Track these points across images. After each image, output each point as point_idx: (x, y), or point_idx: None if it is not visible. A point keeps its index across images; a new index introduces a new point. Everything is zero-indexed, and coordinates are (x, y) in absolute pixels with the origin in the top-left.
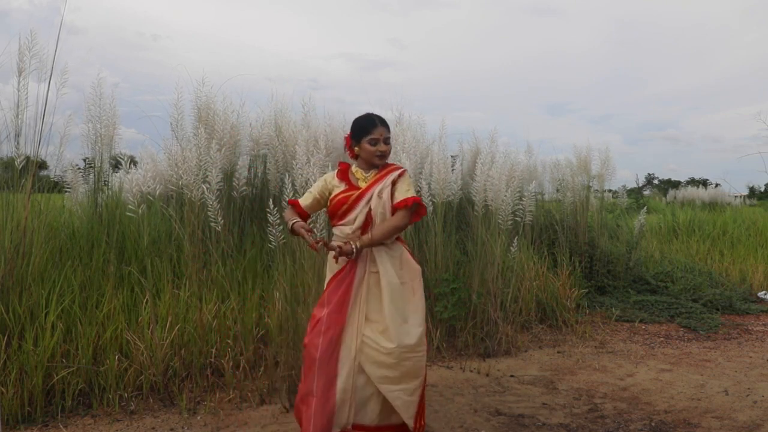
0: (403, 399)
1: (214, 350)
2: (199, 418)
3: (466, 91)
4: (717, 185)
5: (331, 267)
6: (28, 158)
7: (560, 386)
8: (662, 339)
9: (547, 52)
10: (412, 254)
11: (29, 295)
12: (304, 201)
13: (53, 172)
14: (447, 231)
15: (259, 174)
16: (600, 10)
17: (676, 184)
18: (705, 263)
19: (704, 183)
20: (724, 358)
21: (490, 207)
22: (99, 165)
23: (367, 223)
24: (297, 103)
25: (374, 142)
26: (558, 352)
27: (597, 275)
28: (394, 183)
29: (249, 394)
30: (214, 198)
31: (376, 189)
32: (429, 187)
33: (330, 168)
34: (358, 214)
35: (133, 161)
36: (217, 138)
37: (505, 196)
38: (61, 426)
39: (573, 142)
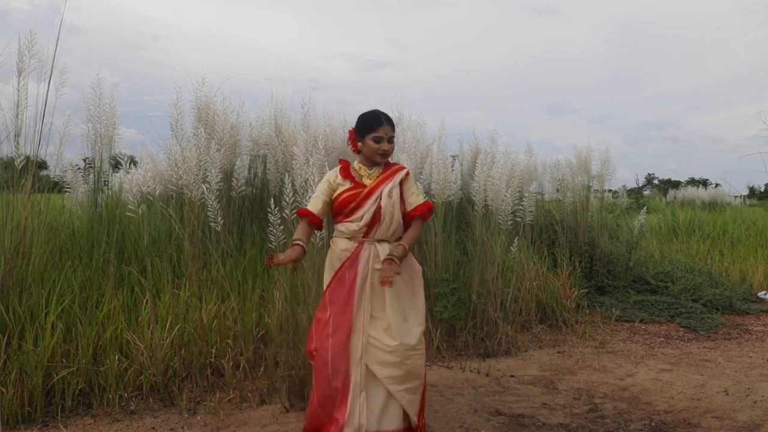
0: (407, 398)
1: (214, 350)
2: (199, 418)
3: (466, 91)
4: (717, 185)
5: (332, 265)
6: (28, 158)
7: (560, 386)
8: (662, 339)
9: (547, 52)
10: (413, 254)
11: (29, 295)
12: (315, 207)
13: (53, 172)
14: (447, 231)
15: (259, 174)
16: (600, 10)
17: (676, 184)
18: (705, 263)
19: (704, 183)
20: (724, 358)
21: (490, 207)
22: (99, 165)
23: (375, 220)
24: (297, 103)
25: (378, 140)
26: (558, 352)
27: (597, 275)
28: (401, 183)
29: (249, 394)
30: (213, 198)
31: (386, 188)
32: (429, 187)
33: (327, 168)
34: (365, 212)
35: (133, 161)
36: (217, 138)
37: (505, 196)
38: (61, 426)
39: (573, 142)
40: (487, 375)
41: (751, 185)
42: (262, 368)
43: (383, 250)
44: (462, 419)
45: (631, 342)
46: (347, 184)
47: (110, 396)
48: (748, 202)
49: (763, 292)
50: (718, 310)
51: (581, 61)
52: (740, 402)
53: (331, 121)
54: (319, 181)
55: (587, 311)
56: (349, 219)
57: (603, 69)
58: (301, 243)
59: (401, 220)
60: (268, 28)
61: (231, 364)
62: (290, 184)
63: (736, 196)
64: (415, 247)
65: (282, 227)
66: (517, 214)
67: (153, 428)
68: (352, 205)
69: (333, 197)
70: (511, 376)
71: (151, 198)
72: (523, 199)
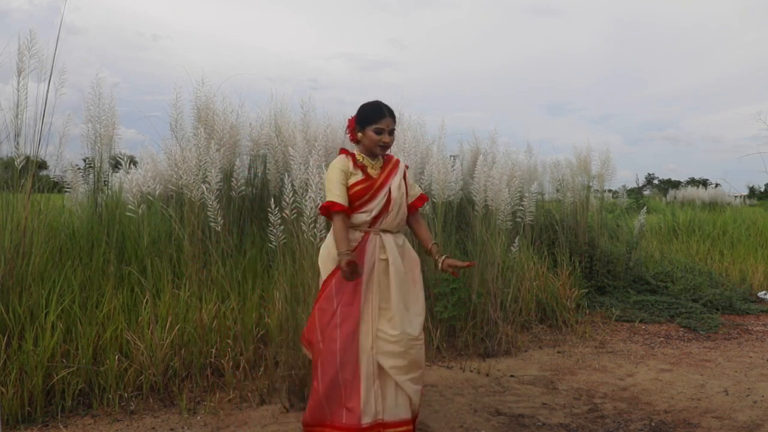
0: (413, 388)
1: (214, 350)
2: (199, 418)
3: (466, 91)
4: (717, 185)
5: (333, 255)
6: (28, 158)
7: (560, 386)
8: (662, 339)
9: (547, 52)
10: (412, 244)
11: (29, 295)
12: (344, 200)
13: (53, 172)
14: (447, 231)
15: (259, 174)
16: (600, 10)
17: (676, 184)
18: (705, 263)
19: (704, 183)
20: (724, 358)
21: (490, 207)
22: (99, 165)
23: (383, 211)
24: (297, 103)
25: (379, 132)
26: (558, 352)
27: (597, 275)
28: (404, 175)
29: (249, 394)
30: (213, 198)
31: (395, 181)
32: (429, 187)
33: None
34: (377, 204)
35: (133, 161)
36: (217, 138)
37: (506, 196)
38: (61, 426)
39: (573, 142)
40: (487, 375)
41: (751, 185)
42: (262, 368)
43: (388, 240)
44: (462, 419)
45: (631, 342)
46: (360, 175)
47: (110, 396)
48: (748, 202)
49: (763, 292)
50: (718, 310)
51: (581, 61)
52: (740, 402)
53: (331, 121)
54: (322, 178)
55: (587, 311)
56: (361, 210)
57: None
58: (350, 254)
59: (406, 211)
60: (268, 28)
61: (231, 364)
62: (290, 184)
63: (736, 196)
64: (415, 247)
65: (282, 227)
66: (518, 214)
67: (153, 428)
68: (366, 197)
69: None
70: (511, 376)
71: (151, 198)
72: (524, 199)
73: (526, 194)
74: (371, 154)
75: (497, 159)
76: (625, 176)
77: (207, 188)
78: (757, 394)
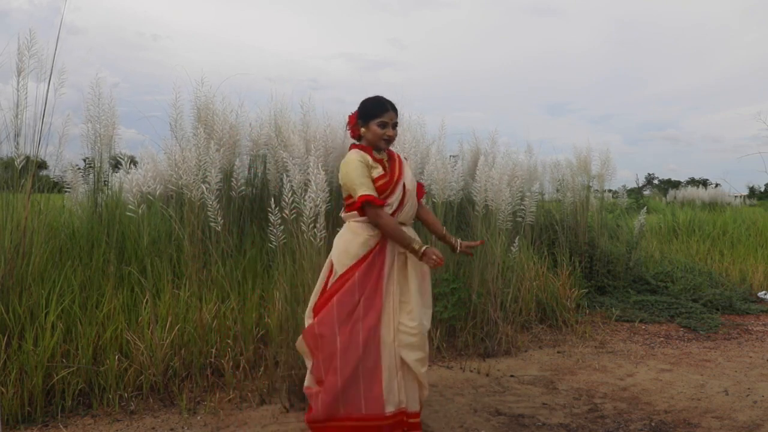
0: (426, 381)
1: (214, 350)
2: (199, 418)
3: (466, 91)
4: (717, 185)
5: (353, 252)
6: (27, 158)
7: (560, 386)
8: (662, 339)
9: (547, 52)
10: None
11: (29, 295)
12: (375, 192)
13: (53, 172)
14: (447, 231)
15: (259, 174)
16: (600, 10)
17: (676, 184)
18: (705, 263)
19: (704, 183)
20: (724, 358)
21: (490, 207)
22: (99, 165)
23: (400, 205)
24: (296, 103)
25: (383, 125)
26: (558, 352)
27: (597, 275)
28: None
29: (249, 394)
30: (213, 198)
31: (408, 175)
32: (429, 187)
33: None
34: (396, 198)
35: (133, 161)
36: (217, 138)
37: (506, 196)
38: (61, 426)
39: (573, 142)
40: (487, 375)
41: (751, 185)
42: (262, 368)
43: (407, 231)
44: (462, 419)
45: (631, 342)
46: (380, 169)
47: (110, 396)
48: (748, 202)
49: (763, 292)
50: (718, 310)
51: (581, 61)
52: (740, 402)
53: (330, 121)
54: (321, 178)
55: (587, 311)
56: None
57: (603, 69)
58: (421, 242)
59: (416, 203)
60: (268, 28)
61: (231, 364)
62: (290, 185)
63: (736, 196)
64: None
65: (282, 227)
66: (518, 214)
67: (153, 428)
68: (388, 191)
69: None
70: (511, 376)
71: (151, 198)
72: (524, 199)
73: (527, 194)
74: (374, 148)
75: (497, 159)
76: (625, 176)
77: (207, 188)
78: (757, 394)
